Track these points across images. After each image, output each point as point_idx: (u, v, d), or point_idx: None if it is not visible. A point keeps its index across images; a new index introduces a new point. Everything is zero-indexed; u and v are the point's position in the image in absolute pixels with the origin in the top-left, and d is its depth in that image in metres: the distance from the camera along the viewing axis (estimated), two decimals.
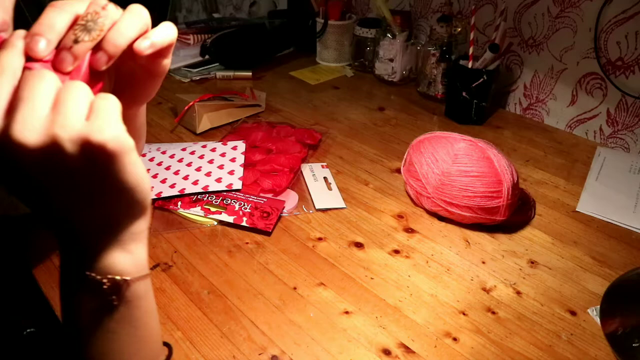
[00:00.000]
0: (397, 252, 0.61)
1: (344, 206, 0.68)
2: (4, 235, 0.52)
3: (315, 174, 0.74)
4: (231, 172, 0.71)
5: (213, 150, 0.76)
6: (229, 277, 0.56)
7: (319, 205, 0.68)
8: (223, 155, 0.75)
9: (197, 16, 1.62)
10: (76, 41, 0.27)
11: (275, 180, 0.70)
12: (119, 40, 0.28)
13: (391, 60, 1.03)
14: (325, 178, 0.74)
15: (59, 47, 0.27)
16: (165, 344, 0.38)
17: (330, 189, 0.71)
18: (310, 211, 0.67)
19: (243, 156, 0.75)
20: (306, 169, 0.75)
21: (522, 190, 0.70)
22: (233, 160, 0.74)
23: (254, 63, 1.12)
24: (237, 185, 0.68)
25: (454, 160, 0.62)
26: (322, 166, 0.76)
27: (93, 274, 0.30)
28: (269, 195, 0.68)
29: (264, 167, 0.73)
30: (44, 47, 0.27)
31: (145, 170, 0.29)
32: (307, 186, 0.72)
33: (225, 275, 0.56)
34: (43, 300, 0.52)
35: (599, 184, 0.74)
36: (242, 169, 0.72)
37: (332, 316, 0.52)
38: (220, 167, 0.72)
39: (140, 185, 0.29)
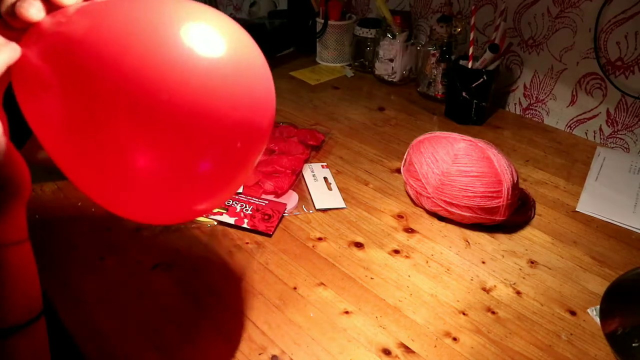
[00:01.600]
0: (397, 252, 0.61)
1: (344, 206, 0.68)
2: None
3: (315, 174, 0.74)
4: None
5: None
6: (229, 277, 0.56)
7: (319, 205, 0.68)
8: None
9: None
10: None
11: (277, 182, 0.70)
12: None
13: (391, 60, 1.03)
14: (325, 178, 0.74)
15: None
16: (37, 315, 0.38)
17: (330, 189, 0.72)
18: (310, 211, 0.67)
19: None
20: (306, 169, 0.75)
21: (522, 190, 0.70)
22: None
23: None
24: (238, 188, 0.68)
25: (454, 160, 0.62)
26: (322, 166, 0.77)
27: None
28: (271, 197, 0.68)
29: (266, 169, 0.73)
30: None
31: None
32: (307, 186, 0.72)
33: (225, 275, 0.56)
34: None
35: (599, 184, 0.74)
36: None
37: (332, 316, 0.52)
38: None
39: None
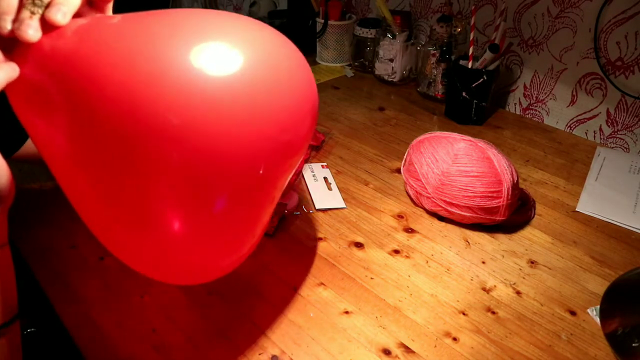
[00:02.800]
0: (397, 252, 0.61)
1: (344, 206, 0.68)
2: None
3: (315, 174, 0.74)
4: None
5: None
6: (228, 278, 0.56)
7: (319, 205, 0.68)
8: None
9: None
10: (33, 13, 0.30)
11: None
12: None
13: (391, 60, 1.03)
14: (325, 178, 0.74)
15: (19, 20, 0.30)
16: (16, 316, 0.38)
17: (330, 189, 0.71)
18: (310, 211, 0.67)
19: None
20: (306, 169, 0.75)
21: (522, 190, 0.70)
22: None
23: None
24: None
25: (454, 160, 0.62)
26: (322, 166, 0.76)
27: None
28: None
29: None
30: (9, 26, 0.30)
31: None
32: (307, 186, 0.72)
33: (225, 276, 0.56)
34: (43, 299, 0.52)
35: (599, 184, 0.74)
36: None
37: (332, 316, 0.52)
38: None
39: None
